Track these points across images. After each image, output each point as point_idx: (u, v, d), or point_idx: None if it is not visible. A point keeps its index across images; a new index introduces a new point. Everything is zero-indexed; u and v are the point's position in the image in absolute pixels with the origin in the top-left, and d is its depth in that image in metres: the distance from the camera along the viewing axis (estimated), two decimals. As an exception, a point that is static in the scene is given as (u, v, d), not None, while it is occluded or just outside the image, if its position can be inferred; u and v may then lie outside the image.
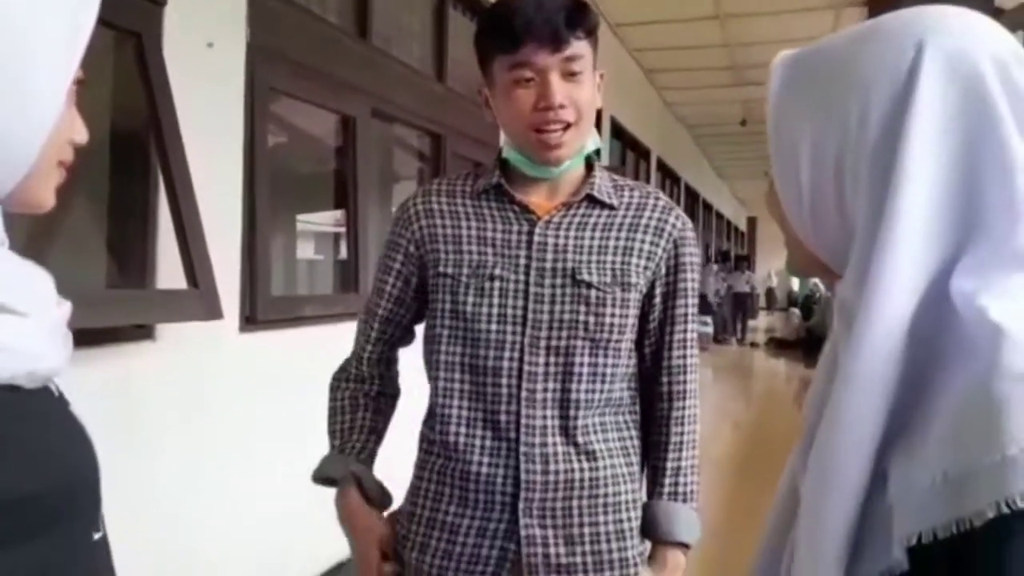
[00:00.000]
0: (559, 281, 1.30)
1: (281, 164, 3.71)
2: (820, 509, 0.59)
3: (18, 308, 0.64)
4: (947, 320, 0.57)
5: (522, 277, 1.30)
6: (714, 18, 7.74)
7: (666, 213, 1.37)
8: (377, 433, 1.43)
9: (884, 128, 0.59)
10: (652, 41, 8.63)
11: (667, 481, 1.37)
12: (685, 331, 1.38)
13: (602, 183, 1.36)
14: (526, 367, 1.29)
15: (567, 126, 1.27)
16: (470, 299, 1.31)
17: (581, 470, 1.30)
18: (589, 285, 1.30)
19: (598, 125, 6.52)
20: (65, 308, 0.71)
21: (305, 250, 5.64)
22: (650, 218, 1.35)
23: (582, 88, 1.27)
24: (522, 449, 1.28)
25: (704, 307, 14.93)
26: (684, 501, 1.37)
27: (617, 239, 1.33)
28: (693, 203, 15.39)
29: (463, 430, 1.31)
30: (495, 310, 1.30)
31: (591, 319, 1.29)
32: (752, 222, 27.44)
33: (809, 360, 12.57)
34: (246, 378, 2.76)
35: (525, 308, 1.29)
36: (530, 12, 1.22)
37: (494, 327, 1.30)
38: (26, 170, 0.65)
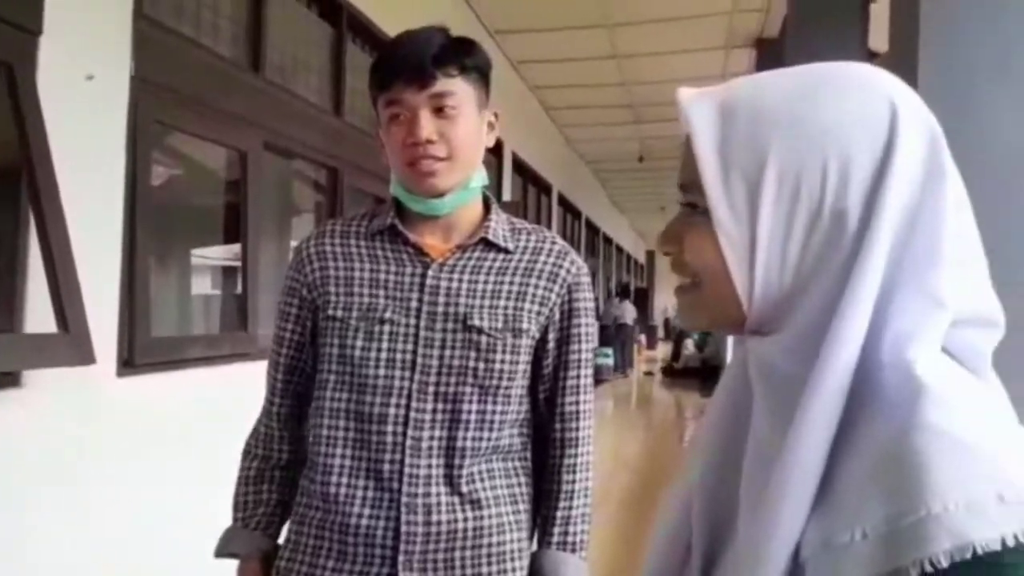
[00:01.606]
0: (450, 326, 1.28)
1: (176, 197, 3.59)
2: None
3: None
4: (876, 374, 0.56)
5: (413, 321, 1.28)
6: (611, 57, 7.96)
7: (561, 258, 1.36)
8: (284, 506, 1.39)
9: (865, 187, 0.58)
10: (552, 79, 8.79)
11: (556, 530, 1.35)
12: (579, 377, 1.37)
13: (498, 226, 1.35)
14: (413, 414, 1.27)
15: (437, 160, 1.27)
16: (359, 343, 1.28)
17: (464, 519, 1.27)
18: (480, 331, 1.28)
19: (500, 160, 6.58)
20: None
21: (202, 285, 5.46)
22: (545, 263, 1.34)
23: (455, 125, 1.27)
24: (404, 500, 1.25)
25: (606, 339, 15.17)
26: (573, 551, 1.35)
27: (511, 284, 1.32)
28: (594, 237, 15.67)
29: (344, 480, 1.28)
30: (384, 355, 1.27)
31: (481, 365, 1.27)
32: (651, 255, 28.14)
33: (704, 389, 12.93)
34: (125, 426, 2.62)
35: (415, 353, 1.27)
36: (402, 52, 1.26)
37: (382, 372, 1.27)
38: None
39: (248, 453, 1.42)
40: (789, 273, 0.60)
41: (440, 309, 1.28)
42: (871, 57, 4.63)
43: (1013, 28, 1.94)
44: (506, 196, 8.13)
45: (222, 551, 1.37)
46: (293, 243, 3.98)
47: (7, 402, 2.22)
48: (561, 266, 1.35)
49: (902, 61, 2.17)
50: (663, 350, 19.80)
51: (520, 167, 8.92)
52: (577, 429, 1.38)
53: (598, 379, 14.10)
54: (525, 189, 9.51)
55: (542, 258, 1.35)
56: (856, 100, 0.60)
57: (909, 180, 0.58)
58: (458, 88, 1.26)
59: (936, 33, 2.01)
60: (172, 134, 3.27)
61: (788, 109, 0.60)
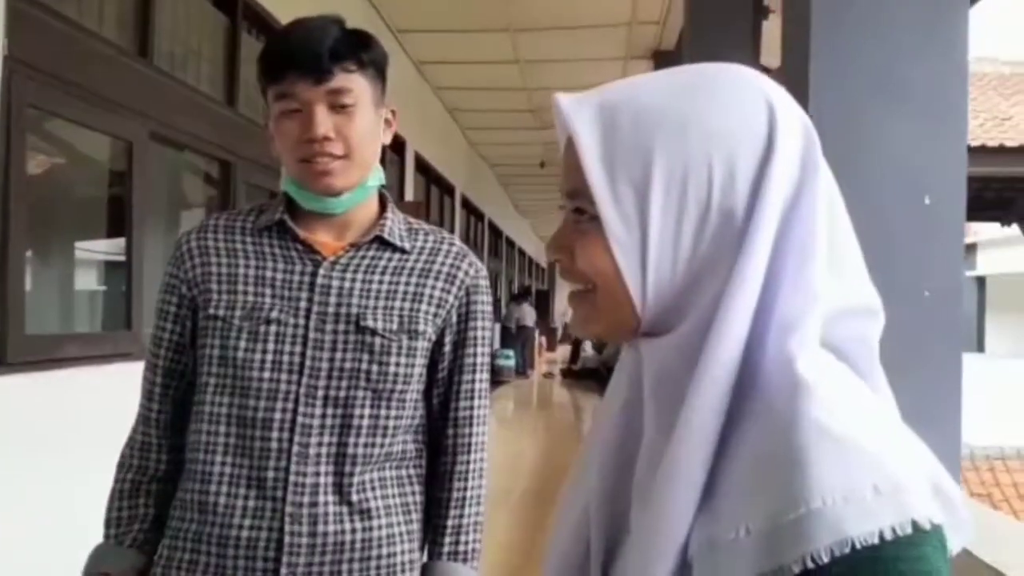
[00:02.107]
0: (341, 327, 1.22)
1: (57, 187, 3.39)
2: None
3: None
4: (759, 370, 0.57)
5: (302, 322, 1.21)
6: (515, 62, 8.00)
7: (459, 260, 1.32)
8: (161, 522, 1.30)
9: (749, 184, 0.59)
10: (455, 81, 8.78)
11: (447, 539, 1.31)
12: (474, 381, 1.33)
13: (395, 225, 1.29)
14: (300, 419, 1.20)
15: (335, 158, 1.21)
16: (242, 344, 1.21)
17: (353, 531, 1.21)
18: (373, 332, 1.22)
19: (403, 160, 6.54)
20: None
21: (86, 281, 5.19)
22: (443, 264, 1.30)
23: (352, 121, 1.21)
24: (288, 509, 1.19)
25: (507, 341, 15.26)
26: (464, 561, 1.31)
27: (407, 284, 1.26)
28: (496, 240, 15.74)
29: (224, 489, 1.20)
30: (269, 357, 1.20)
31: (374, 368, 1.22)
32: (552, 259, 28.46)
33: (603, 390, 13.15)
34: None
35: (303, 355, 1.21)
36: (296, 43, 1.18)
37: (267, 375, 1.20)
38: None
39: (123, 465, 1.32)
40: (680, 273, 0.60)
41: (331, 309, 1.22)
42: (763, 72, 4.81)
43: (900, 44, 2.04)
44: (408, 196, 8.06)
45: (92, 570, 1.27)
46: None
47: None
48: (459, 268, 1.31)
49: (794, 76, 2.24)
50: (563, 352, 20.07)
51: (423, 167, 8.86)
52: (470, 435, 1.34)
53: (499, 380, 14.15)
54: (428, 190, 9.46)
55: (440, 259, 1.30)
56: (736, 100, 0.61)
57: (788, 176, 0.59)
58: (356, 84, 1.21)
59: (826, 49, 2.09)
60: (52, 120, 3.09)
61: (670, 110, 0.60)
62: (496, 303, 15.72)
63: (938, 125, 2.01)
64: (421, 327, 1.26)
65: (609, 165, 0.60)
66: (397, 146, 7.75)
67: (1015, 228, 12.03)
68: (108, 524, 1.30)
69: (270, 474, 1.19)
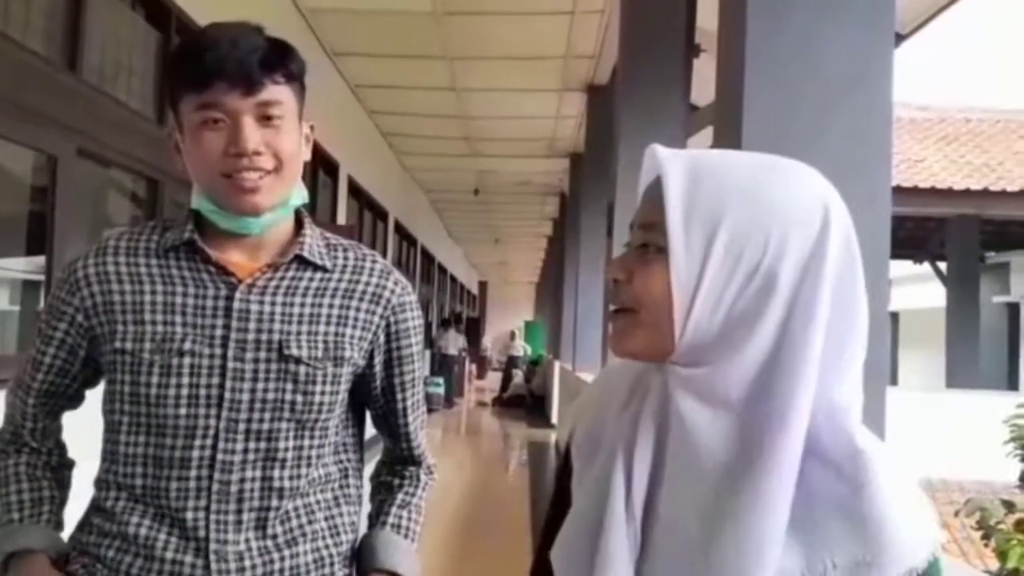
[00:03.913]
0: (263, 355, 1.14)
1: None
2: None
3: None
4: (816, 430, 0.71)
5: (218, 351, 1.13)
6: (450, 89, 8.04)
7: (384, 278, 1.25)
8: (63, 507, 1.22)
9: (804, 263, 0.71)
10: (390, 105, 8.77)
11: (392, 513, 1.31)
12: (414, 395, 1.32)
13: (313, 243, 1.21)
14: (220, 456, 1.13)
15: (264, 173, 1.12)
16: (154, 379, 1.12)
17: (281, 559, 1.17)
18: (298, 360, 1.15)
19: (335, 183, 6.46)
20: None
21: (0, 300, 4.99)
22: (367, 284, 1.23)
23: (281, 135, 1.13)
24: (212, 547, 1.13)
25: (438, 368, 15.15)
26: (404, 536, 1.30)
27: (331, 307, 1.19)
28: (429, 265, 15.69)
29: (146, 523, 1.15)
30: (184, 391, 1.12)
31: (299, 398, 1.15)
32: (483, 286, 28.52)
33: (532, 419, 13.18)
34: None
35: (221, 387, 1.13)
36: (222, 50, 1.08)
37: (183, 411, 1.12)
38: None
39: (5, 453, 1.22)
40: (719, 317, 0.72)
41: (251, 336, 1.14)
42: (692, 110, 4.95)
43: (831, 86, 2.13)
44: (341, 219, 7.97)
45: (7, 550, 1.14)
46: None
47: None
48: (384, 287, 1.24)
49: (728, 114, 2.32)
50: (493, 380, 20.03)
51: (356, 191, 8.79)
52: (414, 447, 1.34)
53: (429, 408, 14.02)
54: (361, 214, 9.37)
55: (364, 278, 1.23)
56: (798, 190, 0.74)
57: (837, 261, 0.72)
58: (284, 96, 1.13)
59: (759, 89, 2.17)
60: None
61: (747, 182, 0.74)
62: (427, 330, 15.63)
63: (866, 166, 2.10)
64: (347, 353, 1.20)
65: (688, 212, 0.73)
66: (330, 168, 7.68)
67: (926, 265, 12.59)
68: (8, 509, 1.18)
69: (189, 514, 1.13)
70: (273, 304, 1.16)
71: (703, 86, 4.82)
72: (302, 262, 1.20)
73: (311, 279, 1.20)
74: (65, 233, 3.23)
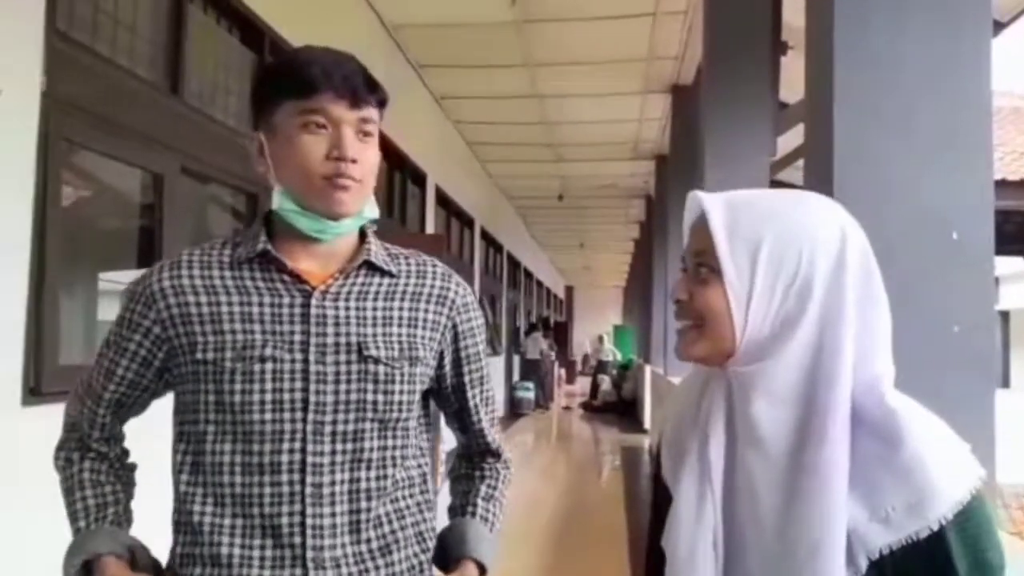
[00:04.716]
0: (344, 358, 1.18)
1: (82, 219, 3.45)
2: (819, 556, 0.84)
3: None
4: (856, 401, 0.87)
5: (299, 356, 1.17)
6: (533, 96, 8.09)
7: (447, 280, 1.31)
8: (129, 509, 1.26)
9: (831, 272, 0.88)
10: (474, 115, 8.87)
11: (479, 503, 1.34)
12: (484, 392, 1.37)
13: (378, 250, 1.28)
14: (310, 459, 1.16)
15: (354, 182, 1.19)
16: (237, 387, 1.15)
17: (376, 568, 1.19)
18: (377, 360, 1.19)
19: (423, 193, 6.56)
20: None
21: (109, 311, 5.25)
22: (432, 286, 1.29)
23: (369, 151, 1.21)
24: (309, 555, 1.15)
25: (527, 373, 15.20)
26: (491, 531, 1.33)
27: (401, 309, 1.25)
28: (515, 271, 15.78)
29: (237, 541, 1.15)
30: (268, 396, 1.15)
31: (380, 398, 1.19)
32: (569, 290, 28.47)
33: (623, 423, 13.05)
34: (29, 458, 2.47)
35: (305, 391, 1.16)
36: (329, 65, 1.18)
37: (268, 416, 1.15)
38: None
39: (69, 464, 1.26)
40: (769, 320, 0.89)
41: (330, 340, 1.18)
42: (781, 107, 4.84)
43: (925, 79, 2.05)
44: (429, 229, 8.11)
45: (73, 564, 1.17)
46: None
47: None
48: (448, 288, 1.31)
49: (818, 114, 2.27)
50: (583, 385, 19.95)
51: (443, 200, 8.93)
52: (492, 441, 1.39)
53: (518, 413, 14.09)
54: (448, 222, 9.52)
55: (428, 281, 1.29)
56: (820, 215, 0.92)
57: (856, 268, 0.89)
58: (376, 118, 1.22)
59: (850, 86, 2.11)
60: (79, 154, 3.15)
61: (778, 212, 0.91)
62: (515, 335, 15.71)
63: (964, 159, 2.02)
64: (420, 353, 1.25)
65: (731, 237, 0.91)
66: (418, 179, 7.82)
67: (1037, 261, 11.92)
68: (75, 518, 1.22)
69: (284, 520, 1.15)
70: (348, 308, 1.21)
71: (792, 83, 4.71)
72: (370, 268, 1.25)
73: (380, 284, 1.25)
74: (172, 246, 3.39)
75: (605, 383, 15.69)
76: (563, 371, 19.95)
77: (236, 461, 1.16)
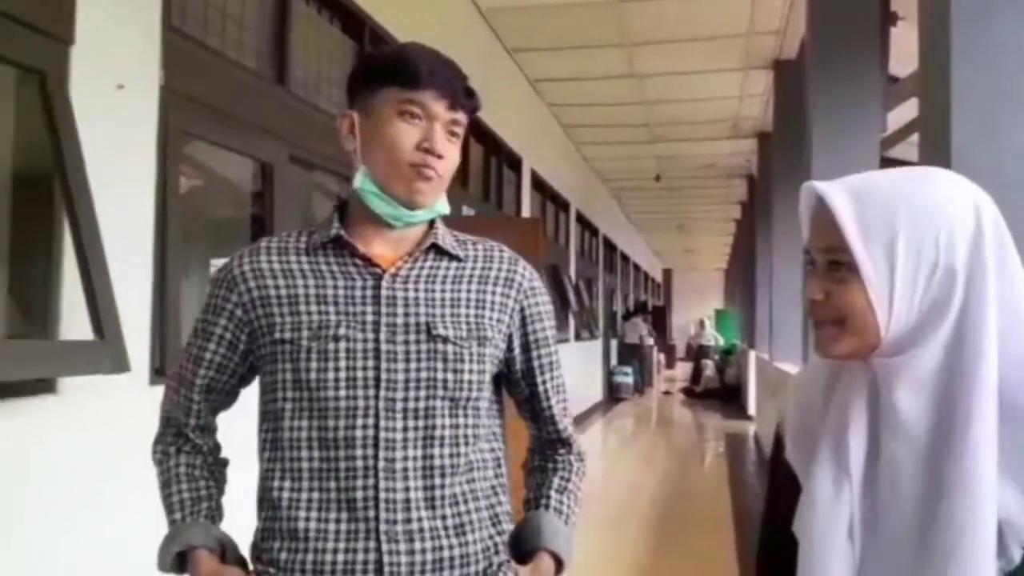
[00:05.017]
0: (413, 337, 1.22)
1: (196, 207, 3.62)
2: (965, 546, 0.80)
3: None
4: (1012, 383, 0.83)
5: (371, 336, 1.21)
6: (629, 77, 7.99)
7: (514, 264, 1.34)
8: (221, 504, 1.33)
9: (970, 252, 0.85)
10: (570, 97, 8.84)
11: (553, 495, 1.35)
12: (554, 378, 1.37)
13: (445, 234, 1.32)
14: (383, 434, 1.20)
15: (436, 175, 1.25)
16: (313, 365, 1.20)
17: (450, 547, 1.22)
18: (446, 340, 1.23)
19: (519, 177, 6.59)
20: None
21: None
22: (499, 270, 1.32)
23: (453, 150, 1.27)
24: (383, 527, 1.19)
25: (625, 357, 15.12)
26: (566, 523, 1.33)
27: (469, 291, 1.28)
28: (611, 254, 15.68)
29: (314, 514, 1.20)
30: (343, 374, 1.20)
31: (450, 376, 1.23)
32: (667, 274, 28.10)
33: (727, 410, 12.83)
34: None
35: (377, 369, 1.20)
36: (436, 65, 1.25)
37: (343, 393, 1.20)
38: None
39: (165, 458, 1.32)
40: (915, 310, 0.86)
41: (400, 320, 1.22)
42: (892, 81, 4.63)
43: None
44: (525, 212, 8.15)
45: (171, 549, 1.23)
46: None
47: (43, 408, 2.23)
48: (515, 271, 1.33)
49: (934, 83, 2.17)
50: (683, 370, 19.70)
51: (539, 184, 8.95)
52: (564, 430, 1.38)
53: (618, 397, 14.05)
54: (544, 206, 9.54)
55: (495, 264, 1.32)
56: (951, 192, 0.88)
57: (994, 244, 0.85)
58: (465, 122, 1.28)
59: (967, 55, 2.01)
60: (191, 145, 3.31)
61: (910, 197, 0.87)
62: (612, 319, 15.64)
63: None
64: (488, 333, 1.28)
65: (864, 232, 0.87)
66: (514, 163, 7.86)
67: None
68: (171, 510, 1.28)
69: (359, 494, 1.19)
70: (417, 291, 1.25)
71: (902, 55, 4.50)
72: (438, 252, 1.30)
73: (447, 267, 1.29)
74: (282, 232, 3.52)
75: (709, 368, 15.42)
76: (662, 356, 19.74)
77: (313, 437, 1.21)
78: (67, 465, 2.28)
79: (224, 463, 1.38)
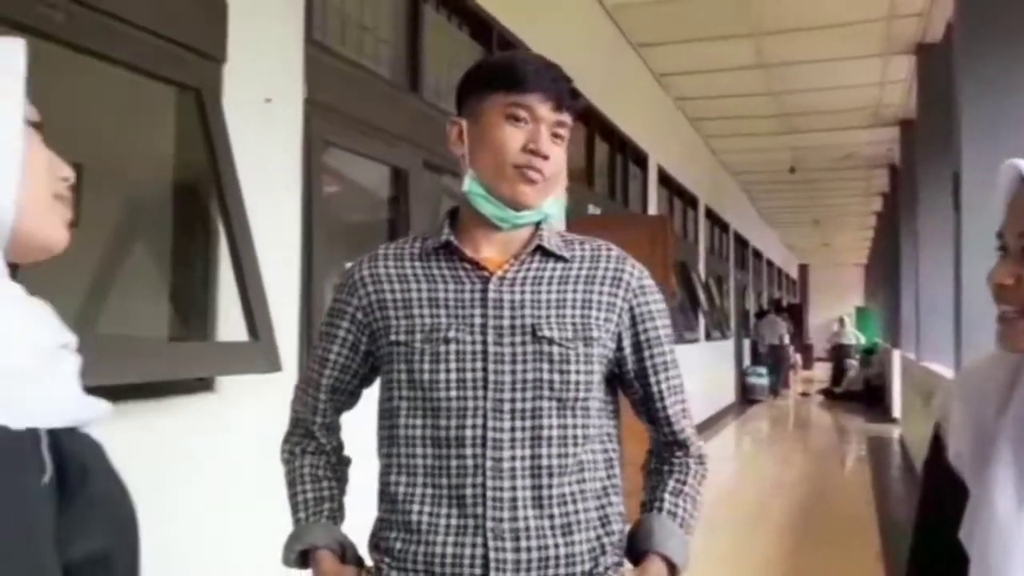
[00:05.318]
0: (519, 339, 1.25)
1: (333, 213, 3.77)
2: None
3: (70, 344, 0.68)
4: None
5: (479, 338, 1.25)
6: (759, 67, 7.76)
7: (621, 263, 1.34)
8: (342, 504, 1.39)
9: None
10: (697, 90, 8.67)
11: (667, 498, 1.33)
12: (669, 379, 1.35)
13: (551, 236, 1.33)
14: (490, 434, 1.23)
15: (541, 177, 1.27)
16: (426, 366, 1.25)
17: (556, 546, 1.23)
18: (551, 341, 1.25)
19: (645, 173, 6.52)
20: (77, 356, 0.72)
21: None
22: (606, 269, 1.32)
23: (558, 151, 1.29)
24: (489, 525, 1.22)
25: (758, 358, 14.67)
26: (680, 526, 1.31)
27: (575, 292, 1.29)
28: (742, 251, 15.26)
29: (426, 508, 1.25)
30: (453, 376, 1.24)
31: (556, 377, 1.24)
32: (803, 269, 27.07)
33: (869, 412, 12.22)
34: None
35: (485, 371, 1.24)
36: (541, 68, 1.28)
37: (453, 393, 1.24)
38: (11, 215, 0.67)
39: (292, 458, 1.40)
40: None
41: (506, 323, 1.25)
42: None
43: None
44: (652, 209, 8.05)
45: (296, 547, 1.31)
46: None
47: (202, 406, 2.38)
48: (623, 270, 1.33)
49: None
50: (822, 371, 18.91)
51: (665, 180, 8.82)
52: (677, 432, 1.36)
53: (751, 400, 13.65)
54: (671, 202, 9.40)
55: (602, 264, 1.32)
56: None
57: None
58: (570, 123, 1.30)
59: None
60: (327, 153, 3.45)
61: None
62: (744, 318, 15.20)
63: None
64: (595, 333, 1.28)
65: None
66: (639, 159, 7.78)
67: None
68: (296, 509, 1.36)
69: (468, 491, 1.22)
70: (523, 293, 1.27)
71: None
72: (544, 253, 1.31)
73: (553, 269, 1.31)
74: (399, 239, 3.62)
75: (853, 369, 14.74)
76: (799, 356, 19.02)
77: (426, 435, 1.26)
78: (222, 459, 2.42)
79: (347, 462, 1.44)
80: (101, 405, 0.69)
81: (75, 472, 0.63)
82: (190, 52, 2.36)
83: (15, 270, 0.70)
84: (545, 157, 1.25)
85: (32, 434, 0.60)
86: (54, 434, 0.62)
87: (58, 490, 0.62)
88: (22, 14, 1.84)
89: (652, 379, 1.34)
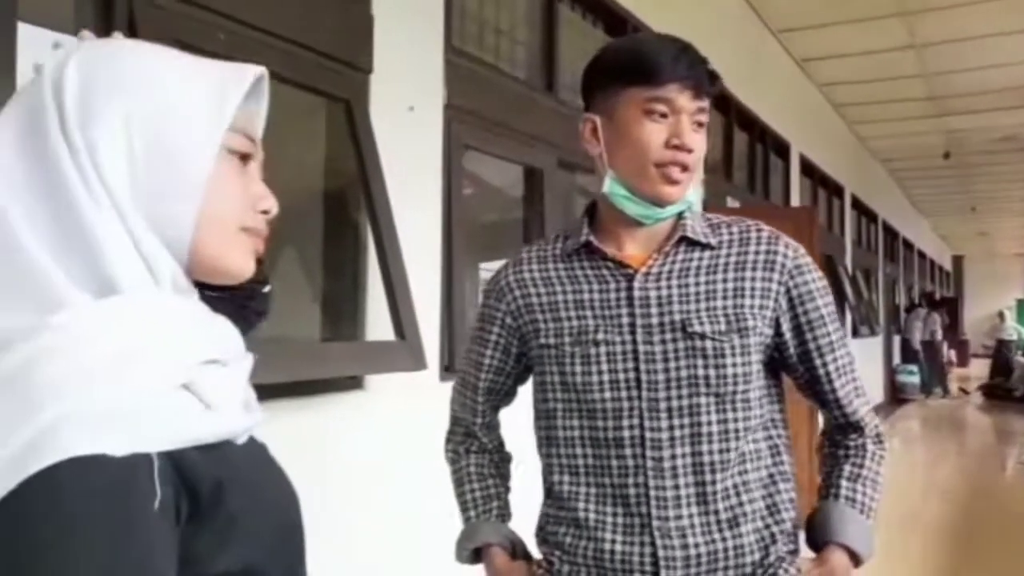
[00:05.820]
0: (669, 336, 1.21)
1: (470, 215, 3.85)
2: None
3: (225, 359, 0.68)
4: None
5: (628, 338, 1.22)
6: (909, 48, 7.33)
7: (773, 244, 1.25)
8: (508, 502, 1.41)
9: None
10: (843, 75, 8.29)
11: (843, 484, 1.28)
12: (836, 359, 1.28)
13: (695, 223, 1.26)
14: (648, 434, 1.21)
15: (684, 169, 1.22)
16: (577, 368, 1.24)
17: (723, 539, 1.21)
18: (703, 336, 1.20)
19: (787, 163, 6.28)
20: (250, 359, 0.73)
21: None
22: (757, 252, 1.24)
23: (701, 139, 1.23)
24: (655, 524, 1.20)
25: (909, 355, 13.87)
26: (860, 512, 1.26)
27: (724, 281, 1.23)
28: (892, 242, 14.46)
29: (592, 507, 1.25)
30: (605, 377, 1.22)
31: (712, 372, 1.20)
32: (958, 261, 25.39)
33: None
34: (444, 427, 2.83)
35: (637, 371, 1.21)
36: (675, 55, 1.20)
37: (607, 395, 1.22)
38: (189, 232, 0.67)
39: (457, 458, 1.43)
40: None
41: (655, 320, 1.21)
42: None
43: None
44: (795, 201, 7.76)
45: (468, 546, 1.35)
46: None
47: (352, 403, 2.49)
48: (775, 251, 1.24)
49: None
50: (979, 368, 17.69)
51: (808, 169, 8.47)
52: (851, 414, 1.30)
53: (902, 399, 12.93)
54: (815, 192, 9.02)
55: (752, 247, 1.25)
56: None
57: None
58: (708, 108, 1.24)
59: None
60: (464, 155, 3.51)
61: None
62: (895, 313, 14.41)
63: None
64: (750, 323, 1.22)
65: None
66: (781, 149, 7.51)
67: None
68: (465, 508, 1.39)
69: (631, 491, 1.21)
70: (669, 287, 1.23)
71: None
72: (689, 243, 1.25)
73: (700, 258, 1.25)
74: (540, 240, 3.64)
75: (1020, 367, 13.70)
76: (953, 352, 17.85)
77: (585, 436, 1.25)
78: (370, 453, 2.53)
79: (508, 459, 1.47)
80: (240, 421, 0.68)
81: (209, 490, 0.62)
82: (341, 64, 2.47)
83: (205, 289, 0.73)
84: (689, 151, 1.20)
85: (142, 460, 0.57)
86: (178, 455, 0.60)
87: (191, 510, 0.61)
88: (191, 35, 1.98)
89: (817, 361, 1.27)
